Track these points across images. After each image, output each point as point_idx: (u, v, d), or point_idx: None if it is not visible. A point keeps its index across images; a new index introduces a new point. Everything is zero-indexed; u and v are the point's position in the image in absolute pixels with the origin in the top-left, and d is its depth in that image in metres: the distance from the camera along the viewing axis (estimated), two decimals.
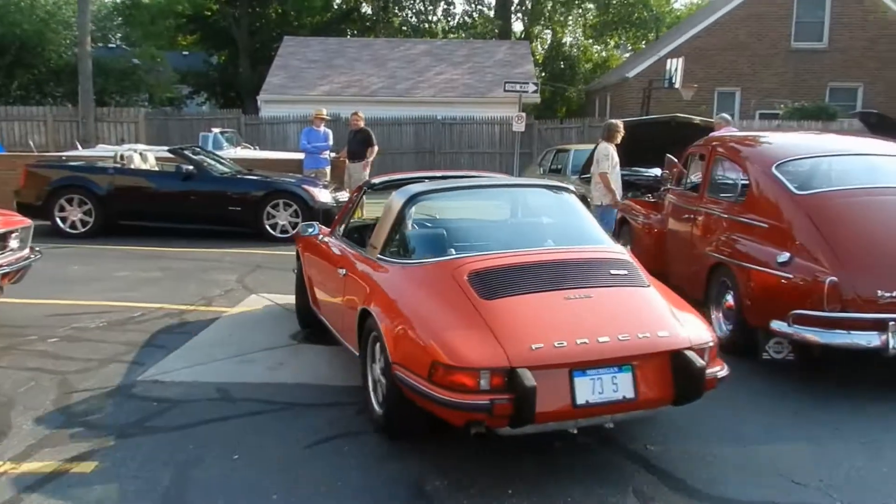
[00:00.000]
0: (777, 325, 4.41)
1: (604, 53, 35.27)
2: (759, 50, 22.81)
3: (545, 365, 3.07)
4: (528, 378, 2.96)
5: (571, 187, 4.72)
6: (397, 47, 24.74)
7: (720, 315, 5.25)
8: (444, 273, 3.62)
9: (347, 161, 12.05)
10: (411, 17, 30.38)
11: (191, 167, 10.22)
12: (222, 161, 11.33)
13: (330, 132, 12.37)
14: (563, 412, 3.11)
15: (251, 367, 4.94)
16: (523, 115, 19.04)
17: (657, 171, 10.11)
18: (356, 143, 11.94)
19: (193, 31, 33.87)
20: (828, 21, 22.74)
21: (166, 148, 11.17)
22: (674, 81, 19.42)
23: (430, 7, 30.84)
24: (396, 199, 4.24)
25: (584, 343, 3.15)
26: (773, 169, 4.91)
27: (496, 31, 28.02)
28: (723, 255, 5.09)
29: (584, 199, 4.78)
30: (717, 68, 22.58)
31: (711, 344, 3.39)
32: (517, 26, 32.73)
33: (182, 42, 38.91)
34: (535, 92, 19.24)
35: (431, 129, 19.70)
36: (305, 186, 10.34)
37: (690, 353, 3.22)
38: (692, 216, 5.89)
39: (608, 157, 7.98)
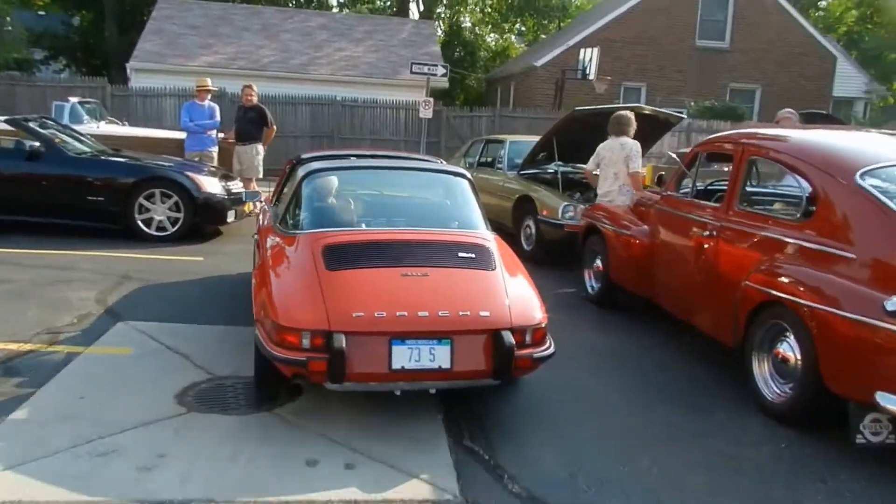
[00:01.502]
0: (885, 398, 3.18)
1: (501, 42, 34.28)
2: (666, 45, 22.43)
3: (363, 332, 3.40)
4: (340, 341, 3.31)
5: (467, 174, 4.96)
6: (291, 18, 22.49)
7: (770, 370, 4.00)
8: (305, 244, 4.00)
9: (237, 143, 10.12)
10: None
11: (37, 143, 7.98)
12: (81, 138, 9.10)
13: (217, 107, 10.37)
14: (380, 375, 3.44)
15: (110, 465, 3.17)
16: (431, 100, 17.49)
17: None
18: (248, 122, 10.05)
19: None
20: (730, 21, 22.70)
21: (3, 118, 8.77)
22: (588, 72, 18.60)
23: None
24: (298, 173, 4.69)
25: (403, 315, 3.46)
26: (858, 179, 3.66)
27: (394, 7, 26.23)
28: (781, 291, 3.80)
29: (474, 186, 4.87)
30: (624, 61, 21.97)
31: (535, 325, 3.64)
32: (414, 8, 31.06)
33: (39, 2, 34.55)
34: (445, 75, 17.71)
35: (330, 111, 17.79)
36: (188, 173, 8.37)
37: (505, 333, 3.48)
38: (711, 233, 4.60)
39: (640, 154, 7.00)
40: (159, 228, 8.21)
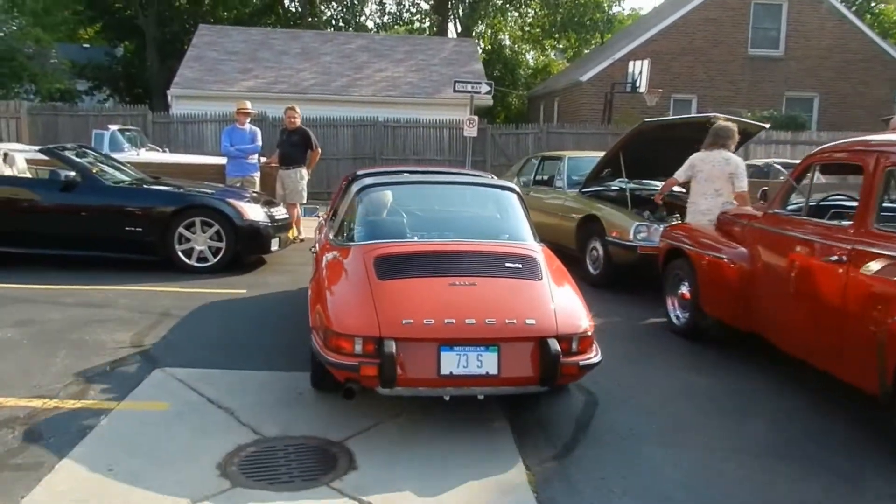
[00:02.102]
0: None
1: (542, 58, 33.73)
2: (715, 56, 21.62)
3: (412, 338, 3.54)
4: (391, 346, 3.45)
5: (516, 187, 5.18)
6: (330, 41, 22.25)
7: None
8: (358, 255, 4.18)
9: (280, 167, 9.65)
10: (341, 11, 27.81)
11: (73, 173, 7.58)
12: (120, 166, 8.72)
13: (258, 131, 9.94)
14: (429, 380, 3.55)
15: None
16: (475, 118, 16.98)
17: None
18: (292, 145, 9.58)
19: (94, 20, 30.26)
20: (784, 28, 21.80)
21: (38, 148, 8.43)
22: (638, 85, 17.88)
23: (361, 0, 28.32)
24: (352, 189, 4.92)
25: (451, 322, 3.59)
26: None
27: (434, 27, 25.89)
28: None
29: (522, 199, 5.03)
30: (672, 73, 21.17)
31: (581, 333, 3.70)
32: (452, 28, 30.70)
33: (83, 36, 35.16)
34: (489, 93, 17.22)
35: (372, 132, 17.36)
36: (230, 200, 7.88)
37: (551, 341, 3.56)
38: (839, 258, 3.86)
39: (745, 171, 6.48)
40: (200, 259, 7.73)
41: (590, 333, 3.77)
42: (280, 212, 8.44)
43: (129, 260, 7.69)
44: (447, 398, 3.65)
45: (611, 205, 7.76)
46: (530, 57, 33.47)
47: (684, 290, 5.69)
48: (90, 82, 29.12)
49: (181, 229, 7.63)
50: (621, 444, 3.76)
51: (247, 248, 7.91)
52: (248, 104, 10.00)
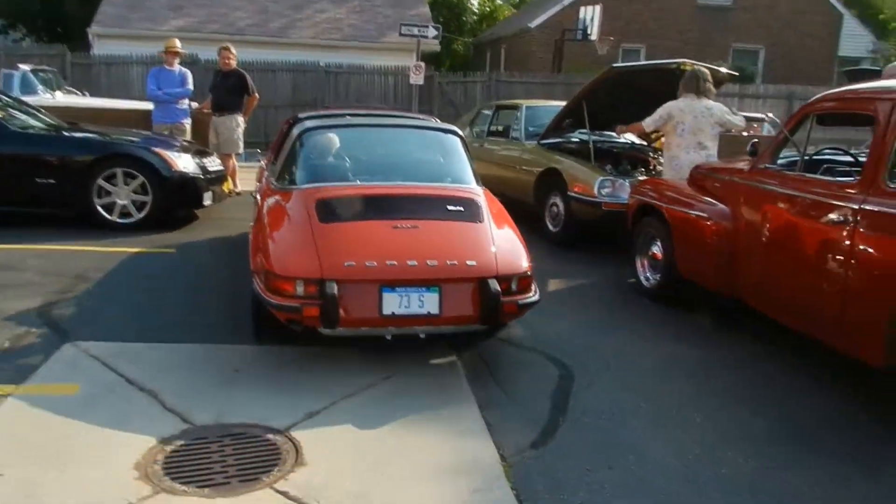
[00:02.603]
0: None
1: (489, 4, 32.68)
2: (666, 4, 21.22)
3: (354, 279, 3.55)
4: (332, 288, 3.46)
5: (459, 131, 5.15)
6: None
7: None
8: (299, 199, 4.16)
9: (214, 114, 8.85)
10: None
11: None
12: (32, 110, 7.78)
13: (189, 73, 9.05)
14: (371, 320, 3.59)
15: None
16: (422, 64, 16.26)
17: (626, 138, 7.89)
18: (226, 89, 8.77)
19: None
20: None
21: None
22: (589, 33, 17.36)
23: None
24: (293, 132, 4.87)
25: (393, 265, 3.60)
26: None
27: None
28: None
29: (465, 142, 5.03)
30: (622, 20, 20.66)
31: (521, 273, 3.77)
32: None
33: None
34: (437, 37, 16.48)
35: (313, 78, 16.40)
36: (157, 149, 7.10)
37: (491, 281, 3.61)
38: (844, 218, 3.47)
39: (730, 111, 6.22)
40: (123, 214, 6.97)
41: (529, 274, 3.84)
42: (213, 162, 7.70)
43: (42, 215, 6.89)
44: (389, 337, 3.65)
45: (572, 158, 7.29)
46: (475, 2, 32.42)
47: (656, 250, 5.32)
48: (2, 20, 26.83)
49: (101, 181, 6.84)
50: (605, 426, 3.35)
51: (176, 203, 7.18)
52: (178, 43, 9.08)
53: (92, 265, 5.65)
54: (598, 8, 17.10)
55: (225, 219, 7.75)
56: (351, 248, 3.68)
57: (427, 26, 16.29)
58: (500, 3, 32.58)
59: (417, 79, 16.07)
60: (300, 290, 3.51)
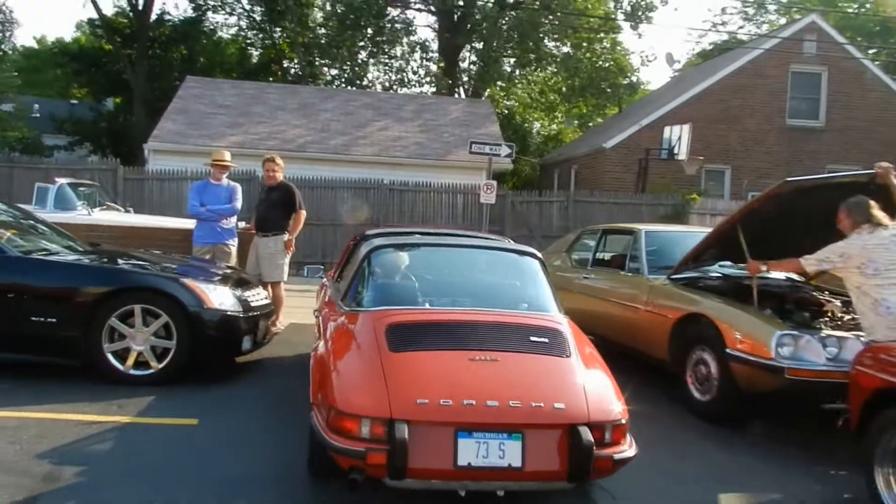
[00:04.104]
0: None
1: (551, 126, 32.09)
2: (751, 125, 19.84)
3: (427, 421, 3.05)
4: (403, 431, 2.97)
5: (538, 252, 4.75)
6: (331, 97, 20.33)
7: None
8: (368, 323, 3.71)
9: (257, 234, 7.43)
10: (345, 71, 26.09)
11: None
12: (46, 229, 6.44)
13: (238, 188, 7.70)
14: (444, 472, 3.06)
15: None
16: (493, 183, 14.96)
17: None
18: (271, 205, 7.39)
19: (79, 74, 28.53)
20: (824, 98, 20.12)
21: None
22: (676, 152, 15.92)
23: (367, 59, 26.53)
24: (361, 249, 4.57)
25: (471, 404, 3.11)
26: None
27: (443, 92, 24.14)
28: None
29: (544, 265, 4.62)
30: (704, 142, 19.23)
31: (614, 421, 3.25)
32: (462, 91, 29.04)
33: (77, 94, 33.60)
34: (510, 156, 15.21)
35: (376, 196, 15.21)
36: (185, 280, 5.57)
37: (582, 429, 3.09)
38: None
39: None
40: (138, 364, 5.38)
41: (624, 421, 3.33)
42: (258, 295, 6.14)
43: (33, 366, 5.35)
44: (462, 493, 3.13)
45: (723, 299, 5.50)
46: (537, 126, 31.82)
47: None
48: (71, 137, 27.15)
49: (113, 320, 5.30)
50: None
51: (207, 349, 5.54)
52: (228, 155, 7.80)
53: (76, 448, 4.01)
54: (686, 127, 15.76)
55: (271, 368, 6.12)
56: (423, 382, 3.23)
57: (500, 144, 15.11)
58: (565, 126, 31.91)
59: (489, 197, 14.72)
60: (365, 431, 3.06)
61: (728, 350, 5.06)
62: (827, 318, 5.34)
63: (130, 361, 5.35)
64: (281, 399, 5.24)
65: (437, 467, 3.05)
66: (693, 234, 7.16)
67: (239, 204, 7.57)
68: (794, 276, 6.24)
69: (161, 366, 5.38)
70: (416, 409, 3.06)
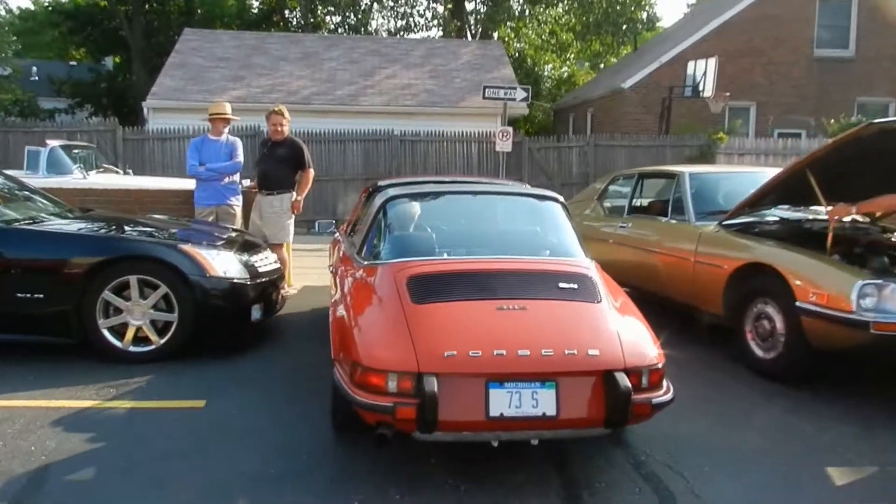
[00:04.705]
0: None
1: (562, 68, 30.97)
2: (777, 58, 18.83)
3: (456, 373, 2.97)
4: (432, 384, 2.88)
5: (560, 197, 4.53)
6: (335, 45, 19.49)
7: None
8: (388, 276, 3.59)
9: (259, 192, 6.87)
10: (349, 17, 25.07)
11: None
12: (35, 195, 5.90)
13: (238, 142, 7.09)
14: (476, 423, 2.97)
15: None
16: (510, 129, 14.28)
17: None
18: (277, 162, 6.80)
19: (74, 32, 27.65)
20: (854, 26, 19.03)
21: None
22: (701, 89, 15.08)
23: (371, 3, 25.46)
24: (375, 201, 4.36)
25: (501, 354, 3.03)
26: None
27: (452, 34, 23.13)
28: None
29: (567, 210, 4.43)
30: (727, 78, 18.29)
31: (651, 365, 3.15)
32: (469, 33, 27.91)
33: (75, 56, 32.78)
34: (526, 100, 14.47)
35: (386, 148, 14.55)
36: (186, 247, 5.01)
37: (619, 375, 3.00)
38: None
39: None
40: (139, 340, 4.88)
41: (661, 366, 3.18)
42: (266, 260, 5.59)
43: (19, 345, 4.85)
44: (495, 444, 3.05)
45: (787, 246, 4.89)
46: (548, 68, 30.70)
47: None
48: (70, 99, 26.44)
49: (107, 293, 4.78)
50: None
51: (213, 322, 5.02)
52: (228, 107, 7.16)
53: (69, 438, 3.52)
54: (712, 61, 14.90)
55: (283, 337, 5.61)
56: (451, 334, 3.12)
57: (514, 88, 14.36)
58: (577, 67, 30.78)
59: (504, 145, 14.05)
60: (393, 385, 2.94)
61: (798, 303, 4.47)
62: None
63: (129, 337, 4.85)
64: (298, 370, 4.75)
65: (469, 419, 2.96)
66: (740, 174, 6.53)
67: (241, 159, 6.97)
68: (858, 217, 5.60)
69: (163, 341, 4.87)
70: (444, 362, 2.97)
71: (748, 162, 15.34)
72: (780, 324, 4.70)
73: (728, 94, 15.58)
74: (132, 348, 4.85)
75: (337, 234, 6.19)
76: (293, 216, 6.91)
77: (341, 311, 3.64)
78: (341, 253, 4.89)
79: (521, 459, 3.46)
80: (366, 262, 3.95)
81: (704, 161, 14.68)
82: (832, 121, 16.20)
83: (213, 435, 3.72)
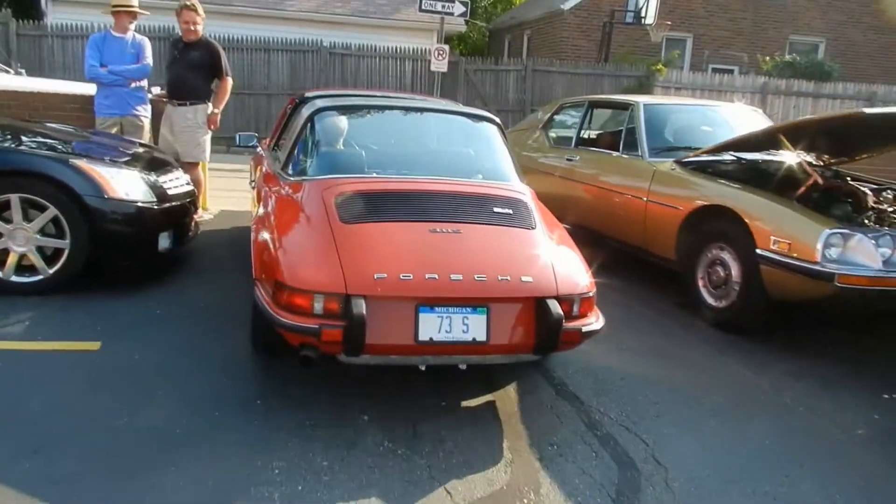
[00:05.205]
0: None
1: None
2: None
3: (386, 296, 2.88)
4: (360, 306, 2.78)
5: (496, 118, 4.38)
6: None
7: None
8: (315, 193, 3.43)
9: (169, 101, 6.11)
10: None
11: None
12: None
13: (146, 42, 6.22)
14: (404, 347, 2.92)
15: None
16: (446, 48, 13.55)
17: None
18: (190, 66, 6.04)
19: None
20: None
21: None
22: (643, 16, 14.63)
23: None
24: (302, 112, 4.15)
25: (433, 279, 2.94)
26: None
27: None
28: None
29: (503, 132, 4.28)
30: (666, 6, 17.88)
31: (583, 294, 3.14)
32: None
33: None
34: (464, 15, 13.68)
35: (315, 60, 13.57)
36: (80, 162, 4.30)
37: (551, 302, 2.98)
38: None
39: None
40: (23, 269, 4.21)
41: (591, 294, 3.19)
42: (177, 181, 4.93)
43: None
44: (423, 367, 3.00)
45: (748, 188, 4.61)
46: None
47: None
48: None
49: None
50: None
51: (112, 251, 4.38)
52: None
53: None
54: None
55: (196, 266, 5.02)
56: (381, 256, 2.97)
57: (453, 2, 13.49)
58: None
59: (440, 65, 13.35)
60: (319, 307, 2.80)
61: (759, 250, 4.22)
62: (869, 212, 4.52)
63: (10, 263, 4.17)
64: (212, 307, 4.21)
65: (397, 343, 2.90)
66: (698, 108, 6.22)
67: (149, 62, 6.12)
68: (811, 160, 5.37)
69: (52, 271, 4.22)
70: (374, 284, 2.86)
71: (685, 96, 15.16)
72: (735, 271, 4.45)
73: (669, 23, 15.22)
74: (14, 278, 4.20)
75: (260, 148, 5.76)
76: (210, 132, 6.19)
77: (264, 229, 3.43)
78: (264, 169, 4.62)
79: (466, 415, 3.12)
80: (291, 178, 3.74)
81: (642, 93, 14.40)
82: (766, 58, 16.16)
83: (107, 383, 3.19)
